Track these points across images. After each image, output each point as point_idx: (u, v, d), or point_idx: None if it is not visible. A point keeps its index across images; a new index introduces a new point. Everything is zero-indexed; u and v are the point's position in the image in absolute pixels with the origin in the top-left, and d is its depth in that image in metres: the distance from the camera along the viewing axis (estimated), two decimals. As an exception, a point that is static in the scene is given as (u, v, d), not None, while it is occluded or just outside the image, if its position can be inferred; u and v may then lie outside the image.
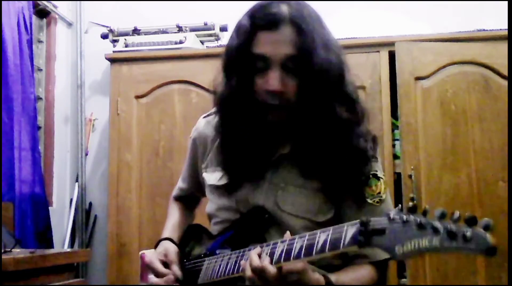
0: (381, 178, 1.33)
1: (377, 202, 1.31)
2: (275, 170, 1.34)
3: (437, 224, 0.81)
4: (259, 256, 1.12)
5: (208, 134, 1.48)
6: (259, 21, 1.19)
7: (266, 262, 1.09)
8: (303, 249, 1.04)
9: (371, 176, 1.32)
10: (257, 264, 1.09)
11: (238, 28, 1.25)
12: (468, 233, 0.77)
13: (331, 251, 0.99)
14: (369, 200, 1.30)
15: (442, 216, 0.82)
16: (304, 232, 1.10)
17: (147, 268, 1.43)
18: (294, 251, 1.06)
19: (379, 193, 1.31)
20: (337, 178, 1.28)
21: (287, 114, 1.26)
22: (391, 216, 0.88)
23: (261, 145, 1.32)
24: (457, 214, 0.81)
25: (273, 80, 1.21)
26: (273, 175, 1.34)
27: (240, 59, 1.24)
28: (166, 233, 1.55)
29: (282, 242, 1.11)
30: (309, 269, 1.11)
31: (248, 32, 1.21)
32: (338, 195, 1.32)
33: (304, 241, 1.06)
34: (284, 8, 1.20)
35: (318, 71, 1.19)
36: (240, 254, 1.24)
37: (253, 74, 1.24)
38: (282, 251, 1.09)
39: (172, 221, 1.62)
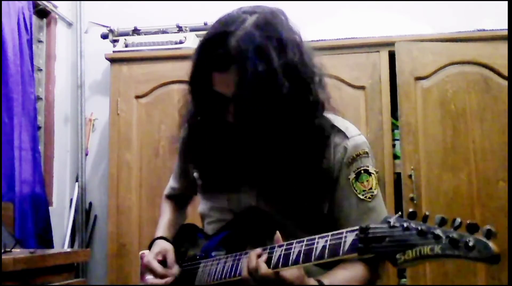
0: (373, 173, 1.31)
1: (369, 198, 1.28)
2: (262, 172, 1.33)
3: (439, 231, 0.80)
4: (258, 257, 1.11)
5: None
6: (211, 62, 1.20)
7: (262, 263, 1.08)
8: (301, 255, 1.03)
9: (362, 171, 1.29)
10: (253, 265, 1.09)
11: (196, 63, 1.25)
12: (471, 241, 0.76)
13: (330, 258, 0.99)
14: (360, 196, 1.28)
15: (443, 223, 0.81)
16: (299, 230, 1.09)
17: (144, 268, 1.42)
18: (292, 256, 1.05)
19: (371, 188, 1.29)
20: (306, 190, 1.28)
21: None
22: (392, 222, 0.87)
23: (232, 162, 1.33)
24: (458, 220, 0.80)
25: (230, 113, 1.24)
26: (262, 176, 1.32)
27: (203, 93, 1.26)
28: (160, 232, 1.54)
29: (279, 246, 1.10)
30: (304, 275, 1.10)
31: (204, 71, 1.22)
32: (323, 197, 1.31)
33: (302, 246, 1.05)
34: (233, 44, 1.17)
35: (267, 104, 1.18)
36: (237, 257, 1.23)
37: (215, 100, 1.26)
38: (280, 256, 1.08)
39: (165, 220, 1.61)
